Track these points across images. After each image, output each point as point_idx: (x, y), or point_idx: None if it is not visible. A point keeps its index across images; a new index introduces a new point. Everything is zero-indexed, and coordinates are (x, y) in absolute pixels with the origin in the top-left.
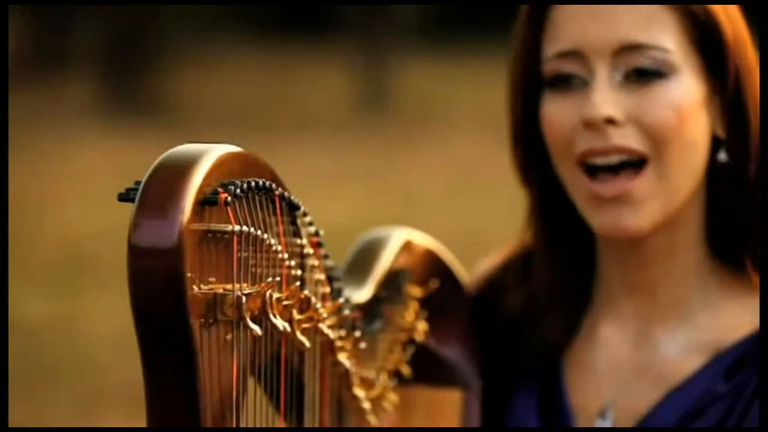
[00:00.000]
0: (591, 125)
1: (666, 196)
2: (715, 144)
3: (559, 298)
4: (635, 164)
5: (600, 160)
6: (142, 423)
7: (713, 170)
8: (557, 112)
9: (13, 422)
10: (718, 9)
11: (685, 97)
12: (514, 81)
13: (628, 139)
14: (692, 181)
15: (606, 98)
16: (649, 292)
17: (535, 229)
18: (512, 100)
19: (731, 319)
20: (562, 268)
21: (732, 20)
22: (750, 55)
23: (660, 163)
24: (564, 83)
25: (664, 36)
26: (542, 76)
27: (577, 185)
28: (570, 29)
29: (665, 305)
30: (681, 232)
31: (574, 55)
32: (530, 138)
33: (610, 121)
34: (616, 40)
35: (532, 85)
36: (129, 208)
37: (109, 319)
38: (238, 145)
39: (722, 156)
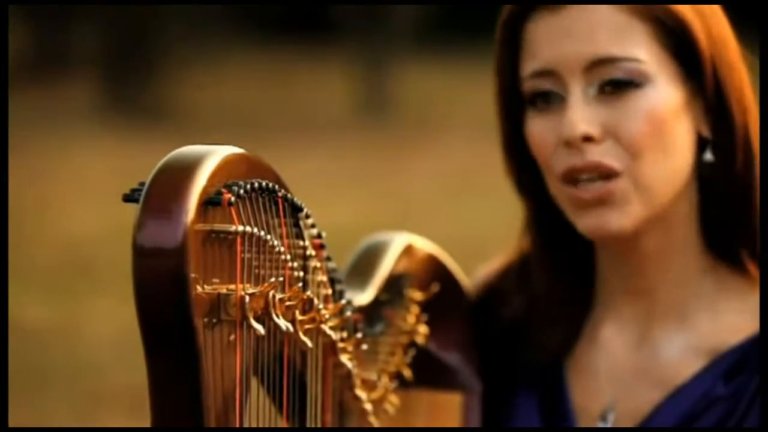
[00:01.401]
0: (570, 144)
1: (645, 198)
2: (703, 144)
3: (559, 305)
4: (610, 176)
5: (583, 176)
6: (142, 425)
7: (703, 170)
8: (539, 131)
9: (13, 425)
10: (688, 13)
11: (661, 105)
12: (498, 98)
13: (604, 156)
14: (673, 184)
15: (582, 116)
16: (647, 296)
17: (532, 237)
18: (499, 116)
19: (730, 321)
20: (561, 274)
21: (705, 21)
22: (731, 52)
23: (634, 171)
24: (542, 101)
25: (636, 47)
26: (522, 94)
27: (563, 194)
28: (542, 48)
29: (664, 308)
30: (674, 234)
31: (548, 73)
32: (520, 151)
33: (588, 139)
34: (588, 56)
35: (516, 102)
36: (130, 212)
37: (109, 321)
38: (239, 147)
39: (708, 156)
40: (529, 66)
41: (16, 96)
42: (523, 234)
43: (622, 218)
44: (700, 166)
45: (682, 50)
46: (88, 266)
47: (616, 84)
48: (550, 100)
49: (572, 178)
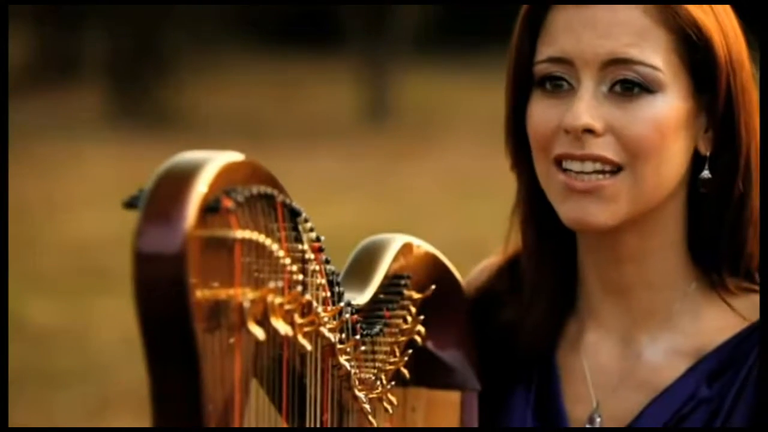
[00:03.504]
0: (570, 133)
1: (635, 199)
2: (698, 159)
3: (542, 284)
4: (609, 171)
5: (575, 166)
6: (150, 426)
7: (695, 183)
8: (542, 113)
9: (22, 425)
10: (713, 31)
11: (667, 115)
12: (509, 76)
13: (605, 149)
14: (661, 191)
15: (588, 108)
16: (626, 296)
17: (521, 214)
18: (507, 93)
19: (712, 323)
20: (547, 252)
21: (728, 41)
22: (745, 75)
23: (633, 171)
24: (552, 86)
25: (655, 54)
26: (533, 75)
27: (550, 178)
28: (564, 36)
29: (644, 311)
30: (655, 236)
31: (564, 62)
32: (520, 130)
33: (589, 131)
34: (607, 53)
35: (525, 82)
36: (137, 215)
37: (117, 323)
38: (242, 153)
39: (705, 173)
40: (546, 51)
41: (25, 101)
42: (513, 211)
43: (604, 213)
44: (693, 181)
45: (700, 66)
46: (97, 269)
47: (629, 85)
48: (560, 86)
49: (565, 167)
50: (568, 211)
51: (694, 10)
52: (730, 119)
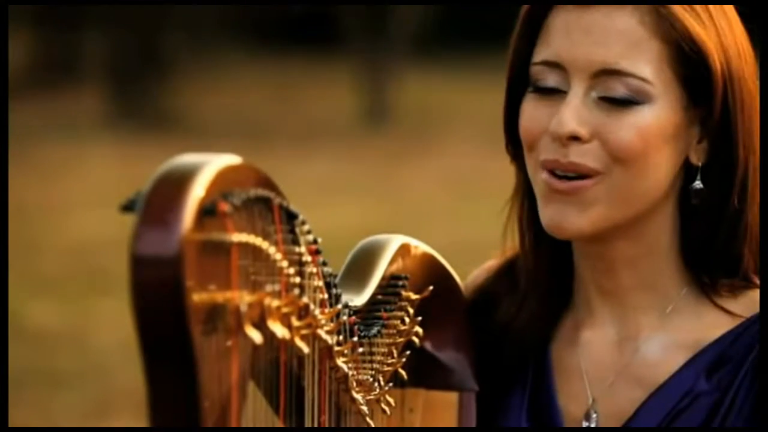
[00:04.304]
0: (555, 139)
1: (614, 205)
2: (691, 169)
3: (538, 278)
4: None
5: (560, 172)
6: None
7: (688, 193)
8: (533, 115)
9: (22, 426)
10: (709, 44)
11: (653, 125)
12: (507, 73)
13: (590, 158)
14: (646, 198)
15: (575, 114)
16: (620, 297)
17: (518, 210)
18: (506, 89)
19: (709, 318)
20: (543, 248)
21: (726, 56)
22: (745, 91)
23: (612, 176)
24: (545, 88)
25: (647, 66)
26: (529, 76)
27: (536, 176)
28: (558, 39)
29: (639, 311)
30: (646, 243)
31: (558, 66)
32: (516, 127)
33: (575, 138)
34: (599, 63)
35: (522, 81)
36: (135, 218)
37: (117, 325)
38: (241, 155)
39: (697, 184)
40: (541, 53)
41: (25, 103)
42: (511, 203)
43: (581, 219)
44: (686, 190)
45: (693, 79)
46: (96, 271)
47: (617, 102)
48: (553, 88)
49: (551, 168)
50: (547, 216)
51: (692, 23)
52: (726, 133)
